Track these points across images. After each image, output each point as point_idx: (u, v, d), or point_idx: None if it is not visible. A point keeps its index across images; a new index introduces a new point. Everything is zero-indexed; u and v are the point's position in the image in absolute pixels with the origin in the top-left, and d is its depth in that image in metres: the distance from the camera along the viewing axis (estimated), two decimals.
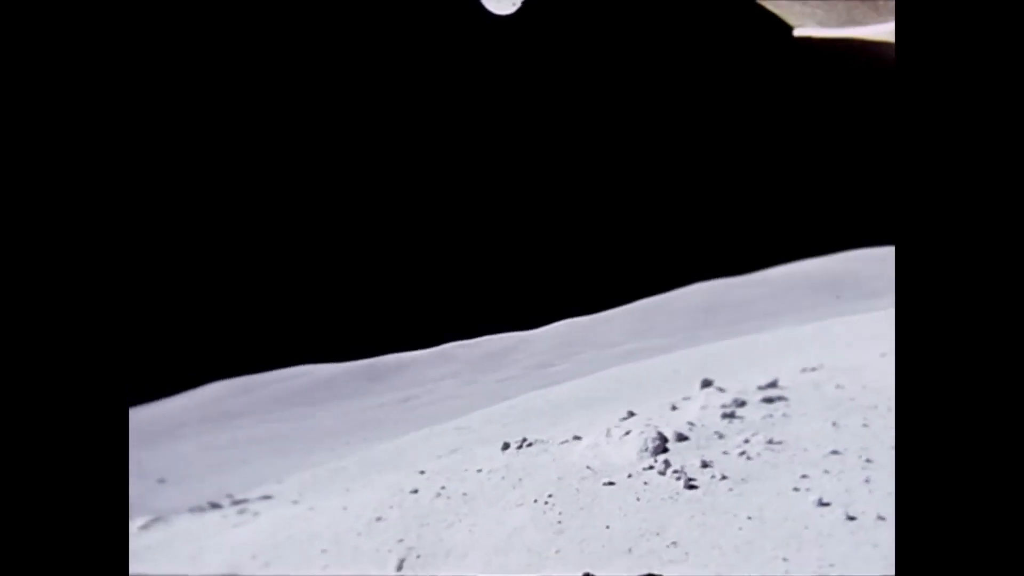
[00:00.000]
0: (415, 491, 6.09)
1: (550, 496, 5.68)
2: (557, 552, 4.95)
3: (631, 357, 16.41)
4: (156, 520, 6.89)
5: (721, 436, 6.40)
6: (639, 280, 23.03)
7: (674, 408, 7.49)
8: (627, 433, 6.30)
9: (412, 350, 19.94)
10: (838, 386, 7.54)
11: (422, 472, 6.70)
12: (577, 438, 6.88)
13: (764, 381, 7.94)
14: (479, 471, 6.45)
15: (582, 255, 23.78)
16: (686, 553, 4.69)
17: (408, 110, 23.12)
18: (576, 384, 11.85)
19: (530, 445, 6.98)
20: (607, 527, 5.15)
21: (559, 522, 5.32)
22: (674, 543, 4.83)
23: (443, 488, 6.14)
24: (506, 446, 6.97)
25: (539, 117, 23.41)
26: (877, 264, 20.69)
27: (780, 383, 7.73)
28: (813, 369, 8.52)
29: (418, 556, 5.10)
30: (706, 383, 7.91)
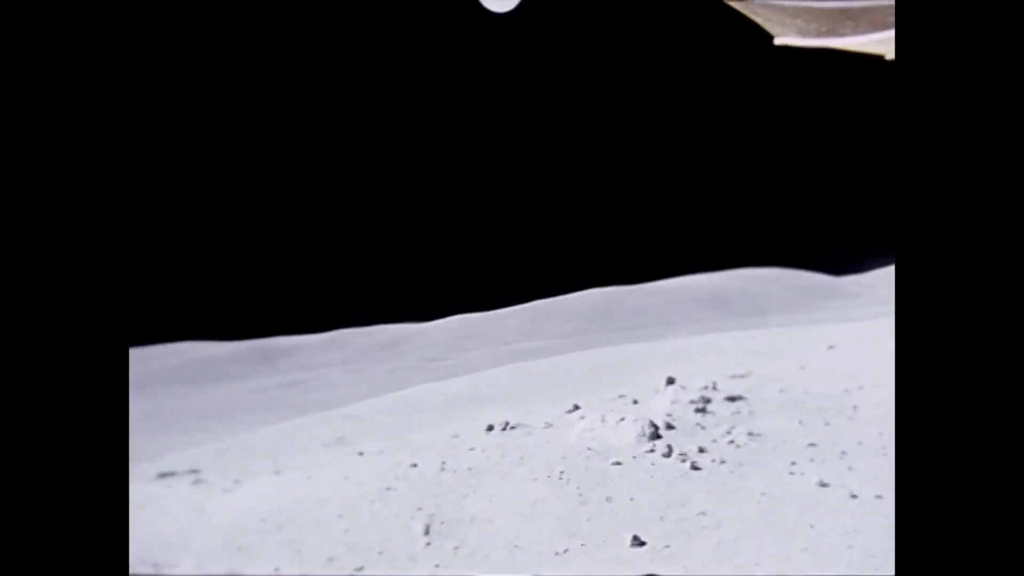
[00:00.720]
0: (415, 465, 6.18)
1: (562, 472, 5.87)
2: (588, 520, 5.11)
3: (522, 356, 16.55)
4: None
5: (703, 428, 6.79)
6: (534, 281, 23.32)
7: (635, 402, 7.90)
8: (622, 419, 6.60)
9: (303, 334, 19.64)
10: (782, 390, 7.94)
11: (360, 454, 6.72)
12: (578, 412, 7.24)
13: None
14: (472, 449, 6.58)
15: (479, 252, 23.84)
16: (717, 521, 4.92)
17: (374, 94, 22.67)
18: (468, 380, 11.83)
19: (513, 428, 7.21)
20: (631, 499, 5.34)
21: (579, 494, 5.48)
22: (702, 513, 5.06)
23: (444, 463, 6.23)
24: (490, 428, 7.20)
25: (487, 114, 23.35)
26: (764, 283, 21.57)
27: (719, 386, 8.03)
28: (743, 376, 8.83)
29: (442, 523, 5.19)
30: (670, 380, 8.26)
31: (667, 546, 4.72)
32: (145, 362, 17.17)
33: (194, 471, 6.95)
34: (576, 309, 21.62)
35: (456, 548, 4.92)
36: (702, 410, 7.25)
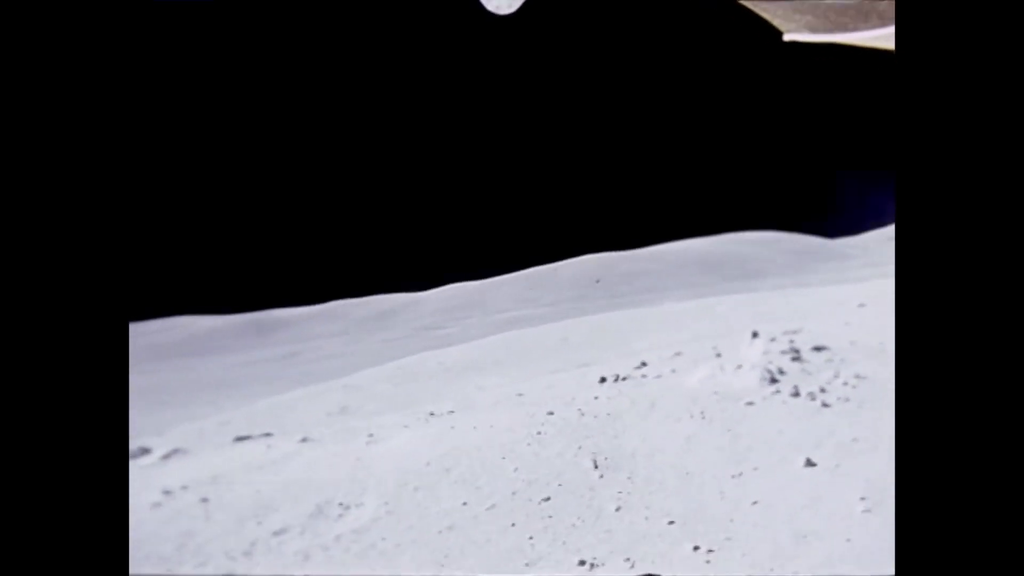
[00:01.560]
0: (551, 412, 6.24)
1: (702, 412, 5.95)
2: (749, 449, 5.23)
3: (518, 323, 16.61)
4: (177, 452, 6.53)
5: (809, 373, 6.78)
6: (529, 247, 23.28)
7: (718, 355, 7.82)
8: (739, 366, 6.72)
9: (299, 306, 19.60)
10: (852, 342, 7.89)
11: (432, 414, 6.81)
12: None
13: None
14: (597, 398, 6.61)
15: (473, 220, 23.81)
16: (873, 445, 5.07)
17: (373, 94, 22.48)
18: (466, 348, 11.89)
19: (624, 379, 7.26)
20: (779, 431, 5.46)
21: (729, 430, 5.58)
22: (855, 439, 5.19)
23: (581, 410, 6.28)
24: (603, 379, 7.24)
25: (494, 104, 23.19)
26: (758, 247, 21.58)
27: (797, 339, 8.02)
28: (795, 332, 8.83)
29: (606, 458, 5.30)
30: (755, 334, 8.28)
31: (837, 465, 4.88)
32: (143, 336, 17.16)
33: (267, 435, 6.99)
34: (570, 275, 21.63)
35: (629, 478, 5.04)
36: (797, 359, 7.21)
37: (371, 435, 6.44)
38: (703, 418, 5.90)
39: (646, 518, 4.58)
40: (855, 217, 22.73)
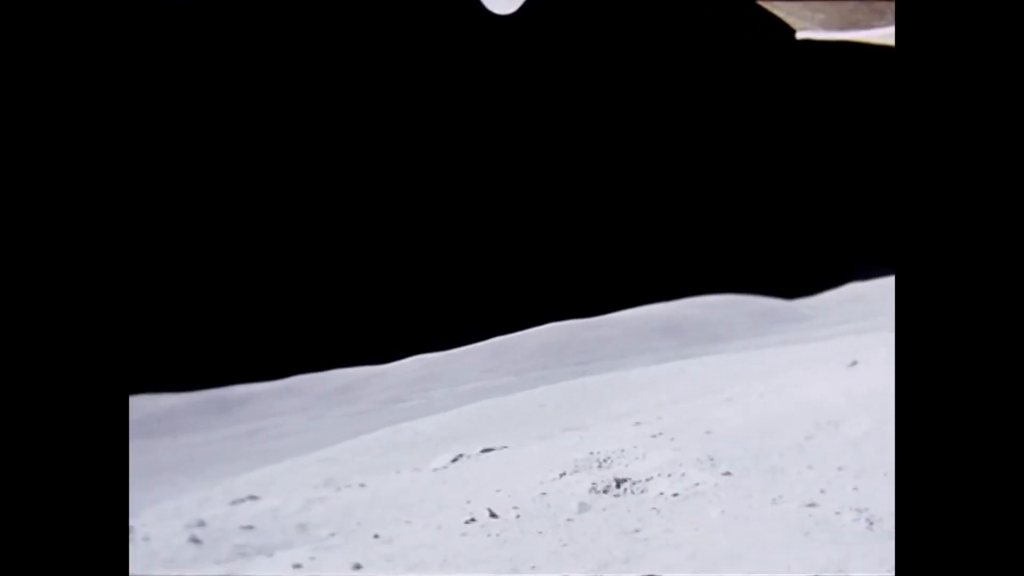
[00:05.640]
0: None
1: None
2: None
3: (485, 393, 16.37)
4: None
5: None
6: (491, 317, 23.18)
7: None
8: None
9: (257, 381, 19.11)
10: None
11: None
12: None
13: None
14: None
15: (433, 290, 23.66)
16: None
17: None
18: (440, 418, 11.63)
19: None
20: None
21: None
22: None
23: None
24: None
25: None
26: (717, 310, 21.79)
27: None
28: (731, 400, 8.71)
29: None
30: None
31: None
32: None
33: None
34: (534, 345, 21.55)
35: None
36: None
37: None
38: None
39: None
40: (813, 277, 23.15)
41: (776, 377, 9.79)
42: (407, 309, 21.89)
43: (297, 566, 4.76)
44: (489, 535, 5.02)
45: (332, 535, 5.41)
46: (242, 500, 6.82)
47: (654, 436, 7.10)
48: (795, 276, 22.20)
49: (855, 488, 5.18)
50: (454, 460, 7.41)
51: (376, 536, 5.23)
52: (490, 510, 5.45)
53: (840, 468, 5.80)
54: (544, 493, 5.80)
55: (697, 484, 5.69)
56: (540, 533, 5.01)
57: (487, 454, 7.73)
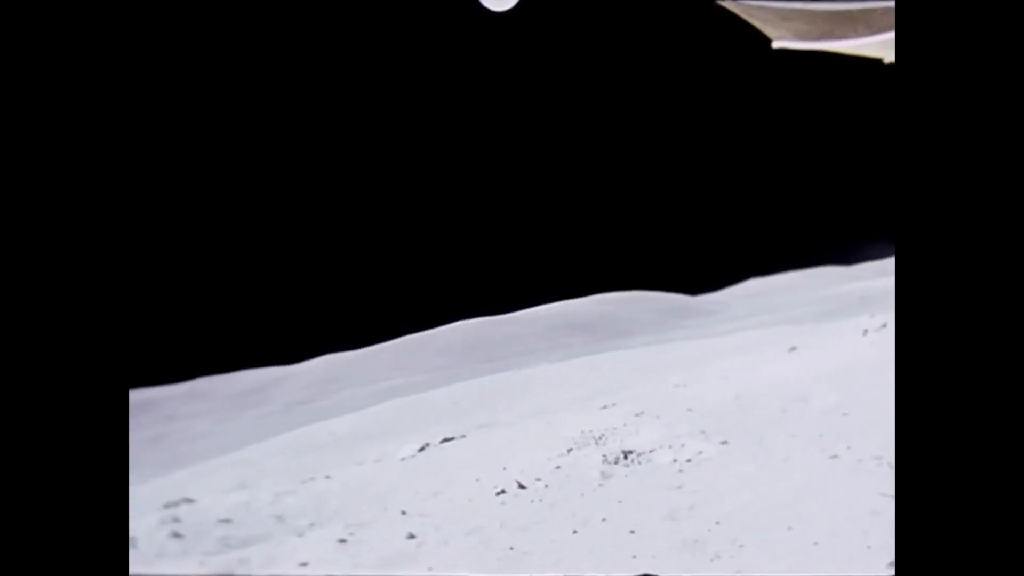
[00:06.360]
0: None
1: None
2: None
3: (396, 392, 16.27)
4: None
5: None
6: (399, 315, 22.96)
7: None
8: None
9: (161, 384, 18.45)
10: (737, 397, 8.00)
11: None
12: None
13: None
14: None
15: (339, 288, 23.32)
16: None
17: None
18: (355, 417, 11.54)
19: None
20: None
21: None
22: None
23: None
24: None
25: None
26: (628, 306, 22.22)
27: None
28: (684, 385, 8.91)
29: None
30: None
31: None
32: None
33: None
34: (444, 343, 21.51)
35: None
36: None
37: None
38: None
39: None
40: (714, 274, 23.80)
41: (719, 362, 10.11)
42: (312, 308, 21.51)
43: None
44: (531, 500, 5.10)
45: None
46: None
47: (637, 415, 7.29)
48: (696, 273, 22.79)
49: (848, 447, 5.50)
50: (421, 449, 7.48)
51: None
52: (518, 482, 5.49)
53: (822, 435, 6.07)
54: (559, 467, 5.88)
55: (701, 452, 5.90)
56: (582, 495, 5.06)
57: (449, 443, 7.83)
